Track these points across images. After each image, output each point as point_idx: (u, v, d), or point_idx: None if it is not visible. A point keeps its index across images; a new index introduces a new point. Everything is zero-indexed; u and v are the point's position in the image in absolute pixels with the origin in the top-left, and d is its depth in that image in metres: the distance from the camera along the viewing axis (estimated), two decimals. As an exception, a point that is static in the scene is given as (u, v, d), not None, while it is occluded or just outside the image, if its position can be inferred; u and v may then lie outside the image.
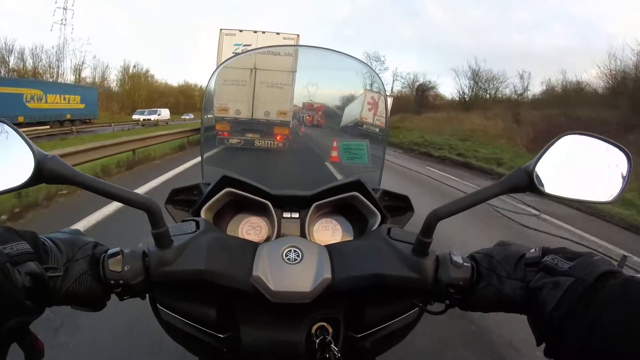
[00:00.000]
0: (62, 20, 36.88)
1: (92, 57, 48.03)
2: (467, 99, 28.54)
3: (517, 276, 0.43)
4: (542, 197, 0.44)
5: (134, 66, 44.76)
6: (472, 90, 29.44)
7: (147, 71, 46.94)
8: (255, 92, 0.84)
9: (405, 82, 34.94)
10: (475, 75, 28.85)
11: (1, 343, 0.35)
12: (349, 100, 0.96)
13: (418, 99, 32.20)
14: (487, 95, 28.06)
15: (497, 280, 0.44)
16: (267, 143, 0.83)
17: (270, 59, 0.77)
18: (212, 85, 0.77)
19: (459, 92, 30.08)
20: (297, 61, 0.75)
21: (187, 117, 35.59)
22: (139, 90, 44.00)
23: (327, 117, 0.97)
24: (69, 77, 36.17)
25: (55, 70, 35.75)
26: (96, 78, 40.31)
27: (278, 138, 0.85)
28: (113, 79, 43.63)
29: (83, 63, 38.58)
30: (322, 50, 0.71)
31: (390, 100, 17.81)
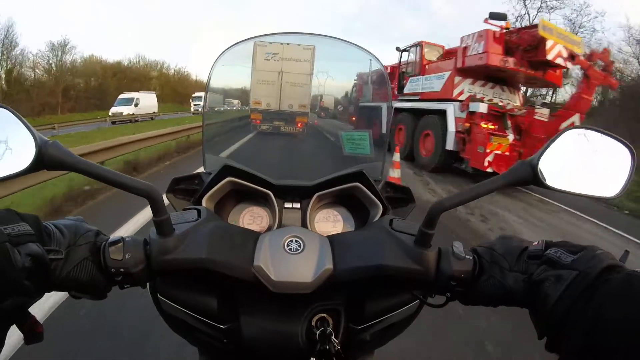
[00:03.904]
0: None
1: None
2: None
3: (519, 269, 0.43)
4: (546, 190, 0.44)
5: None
6: None
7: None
8: (282, 90, 1.08)
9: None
10: None
11: (0, 323, 0.35)
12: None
13: None
14: None
15: (499, 273, 0.44)
16: (290, 129, 1.10)
17: (293, 64, 1.03)
18: (213, 81, 0.78)
19: None
20: (314, 65, 0.98)
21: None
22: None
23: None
24: None
25: None
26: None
27: (299, 125, 1.11)
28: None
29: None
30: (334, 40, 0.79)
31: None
